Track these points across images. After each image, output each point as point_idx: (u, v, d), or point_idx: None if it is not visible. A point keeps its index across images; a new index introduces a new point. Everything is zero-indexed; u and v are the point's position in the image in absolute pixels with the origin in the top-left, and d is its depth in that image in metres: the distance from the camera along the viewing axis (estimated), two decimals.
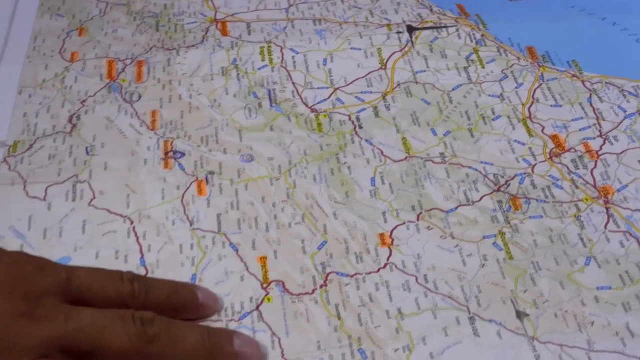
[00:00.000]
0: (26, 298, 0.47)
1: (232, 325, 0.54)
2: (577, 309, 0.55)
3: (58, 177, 0.63)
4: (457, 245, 0.59)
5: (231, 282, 0.57)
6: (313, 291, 0.56)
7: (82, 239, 0.59)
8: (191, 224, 0.60)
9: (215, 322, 0.54)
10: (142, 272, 0.57)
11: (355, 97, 0.69)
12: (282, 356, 0.53)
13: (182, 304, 0.54)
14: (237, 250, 0.58)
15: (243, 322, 0.54)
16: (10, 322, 0.46)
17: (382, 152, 0.65)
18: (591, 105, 0.69)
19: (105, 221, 0.60)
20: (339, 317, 0.55)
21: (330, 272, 0.57)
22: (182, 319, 0.53)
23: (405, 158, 0.64)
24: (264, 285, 0.57)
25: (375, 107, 0.68)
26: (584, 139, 0.66)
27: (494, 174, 0.63)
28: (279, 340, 0.54)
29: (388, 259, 0.58)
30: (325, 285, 0.57)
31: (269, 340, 0.54)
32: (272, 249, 0.59)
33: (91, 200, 0.61)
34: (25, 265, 0.50)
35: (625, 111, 0.68)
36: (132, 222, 0.60)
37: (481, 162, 0.64)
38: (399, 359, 0.53)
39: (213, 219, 0.60)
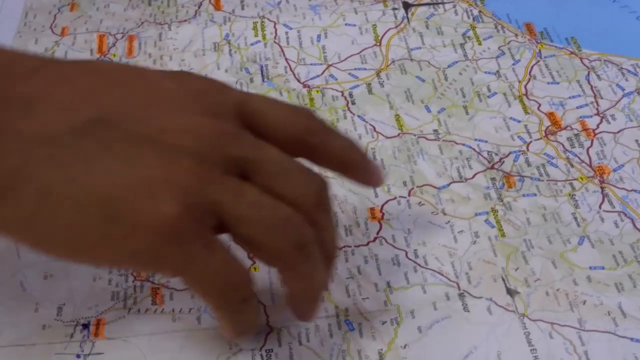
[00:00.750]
0: (212, 114, 0.45)
1: None
2: (569, 288, 0.54)
3: None
4: (448, 221, 0.58)
5: None
6: None
7: None
8: None
9: None
10: None
11: (349, 73, 0.68)
12: (268, 323, 0.53)
13: (354, 161, 0.50)
14: None
15: None
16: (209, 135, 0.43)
17: (374, 129, 0.64)
18: (589, 83, 0.67)
19: None
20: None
21: None
22: (349, 179, 0.50)
23: (398, 135, 0.63)
24: (250, 254, 0.55)
25: (368, 84, 0.67)
26: (580, 117, 0.65)
27: (488, 152, 0.62)
28: (265, 307, 0.53)
29: (378, 232, 0.57)
30: None
31: None
32: None
33: None
34: (200, 83, 0.47)
35: (623, 90, 0.67)
36: None
37: (475, 140, 0.63)
38: (387, 331, 0.52)
39: None
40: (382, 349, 0.51)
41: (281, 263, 0.45)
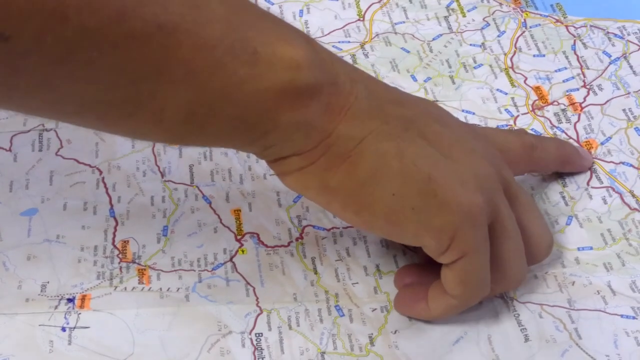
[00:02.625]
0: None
1: (205, 276, 0.54)
2: (557, 271, 0.54)
3: (24, 127, 0.60)
4: None
5: (204, 234, 0.56)
6: (289, 244, 0.56)
7: (49, 190, 0.57)
8: (162, 176, 0.58)
9: (188, 272, 0.54)
10: (111, 224, 0.56)
11: (333, 46, 0.67)
12: (257, 304, 0.52)
13: (571, 157, 0.59)
14: (210, 203, 0.57)
15: (216, 272, 0.54)
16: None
17: None
18: (575, 53, 0.67)
19: (73, 172, 0.58)
20: (315, 272, 0.54)
21: (306, 226, 0.57)
22: (567, 171, 0.59)
23: None
24: (238, 237, 0.56)
25: (353, 55, 0.67)
26: (567, 91, 0.64)
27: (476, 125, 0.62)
28: (254, 289, 0.53)
29: None
30: (302, 238, 0.56)
31: (243, 289, 0.53)
32: (247, 201, 0.57)
33: (58, 149, 0.59)
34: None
35: (610, 56, 0.67)
36: (101, 173, 0.58)
37: (463, 111, 0.63)
38: (377, 318, 0.52)
39: (185, 170, 0.59)
40: (372, 334, 0.51)
41: (508, 286, 0.52)
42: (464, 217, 0.47)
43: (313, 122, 0.46)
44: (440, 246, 0.48)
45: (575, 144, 0.61)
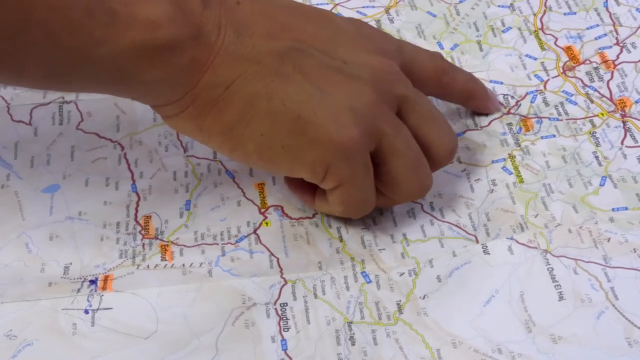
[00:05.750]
0: (382, 54, 0.52)
1: (228, 248, 0.53)
2: (592, 227, 0.53)
3: (43, 99, 0.60)
4: (464, 169, 0.56)
5: (227, 208, 0.55)
6: (313, 215, 0.55)
7: (70, 166, 0.57)
8: (185, 151, 0.58)
9: (211, 245, 0.53)
10: (133, 199, 0.55)
11: (357, 11, 0.66)
12: (282, 275, 0.52)
13: (477, 92, 0.59)
14: (233, 178, 0.57)
15: (240, 244, 0.53)
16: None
17: None
18: (607, 10, 0.65)
19: (94, 147, 0.58)
20: (341, 240, 0.53)
21: None
22: (471, 108, 0.60)
23: None
24: (262, 210, 0.55)
25: (378, 21, 0.65)
26: (599, 48, 0.63)
27: (504, 95, 0.60)
28: (278, 260, 0.53)
29: None
30: None
31: (267, 260, 0.53)
32: (271, 175, 0.57)
33: (79, 123, 0.59)
34: (370, 28, 0.55)
35: None
36: (122, 148, 0.58)
37: (490, 82, 0.61)
38: (405, 283, 0.51)
39: None
40: (400, 301, 0.50)
41: (408, 198, 0.53)
42: (336, 152, 0.49)
43: (176, 76, 0.47)
44: (316, 178, 0.50)
45: (608, 102, 0.59)
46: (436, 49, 0.63)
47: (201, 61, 0.48)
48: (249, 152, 0.50)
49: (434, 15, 0.65)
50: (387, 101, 0.51)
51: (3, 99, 0.60)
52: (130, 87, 0.48)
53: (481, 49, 0.63)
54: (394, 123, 0.51)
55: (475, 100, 0.59)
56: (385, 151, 0.50)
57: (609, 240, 0.52)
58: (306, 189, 0.54)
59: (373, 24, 0.65)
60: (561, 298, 0.50)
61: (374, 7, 0.66)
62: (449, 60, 0.62)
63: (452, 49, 0.63)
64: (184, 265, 0.52)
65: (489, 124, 0.59)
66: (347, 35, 0.52)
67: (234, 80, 0.48)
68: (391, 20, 0.65)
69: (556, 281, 0.51)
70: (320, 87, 0.49)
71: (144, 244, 0.53)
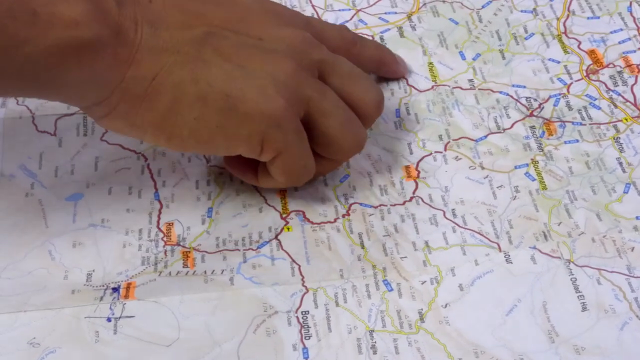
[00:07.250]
0: (292, 26, 0.55)
1: (250, 255, 0.53)
2: (615, 236, 0.53)
3: (68, 109, 0.60)
4: (487, 176, 0.56)
5: (249, 214, 0.55)
6: (335, 220, 0.55)
7: (94, 175, 0.57)
8: (208, 161, 0.58)
9: (232, 252, 0.53)
10: (156, 206, 0.56)
11: (379, 17, 0.66)
12: (303, 283, 0.52)
13: (386, 59, 0.62)
14: (256, 186, 0.56)
15: (261, 250, 0.53)
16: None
17: (407, 82, 0.62)
18: (631, 14, 0.65)
19: (118, 157, 0.58)
20: (362, 246, 0.53)
21: (353, 203, 0.56)
22: (383, 74, 0.62)
23: (432, 87, 0.61)
24: (284, 215, 0.55)
25: (400, 28, 0.65)
26: (623, 52, 0.62)
27: (527, 98, 0.60)
28: (299, 267, 0.53)
29: (414, 192, 0.56)
30: (348, 215, 0.55)
31: (288, 267, 0.53)
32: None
33: (103, 134, 0.59)
34: (274, 3, 0.57)
35: None
36: (146, 159, 0.58)
37: (513, 86, 0.61)
38: (427, 291, 0.51)
39: None
40: (422, 309, 0.50)
41: (347, 154, 0.55)
42: (268, 122, 0.50)
43: (101, 74, 0.49)
44: (254, 151, 0.52)
45: (633, 107, 0.59)
46: (458, 59, 0.63)
47: (123, 57, 0.49)
48: (185, 137, 0.51)
49: (456, 23, 0.65)
50: (307, 67, 0.53)
51: (28, 109, 0.60)
52: (57, 88, 0.49)
53: (503, 57, 0.63)
54: (317, 87, 0.53)
55: (385, 66, 0.62)
56: (315, 114, 0.52)
57: (632, 249, 0.52)
58: (247, 168, 0.55)
59: (395, 31, 0.65)
60: (584, 308, 0.50)
61: (396, 13, 0.66)
62: (472, 71, 0.62)
63: (474, 59, 0.63)
64: (205, 272, 0.52)
65: (512, 126, 0.59)
66: (258, 14, 0.54)
67: (158, 72, 0.50)
68: (413, 28, 0.65)
69: (579, 291, 0.50)
70: (242, 65, 0.51)
71: (165, 251, 0.53)
